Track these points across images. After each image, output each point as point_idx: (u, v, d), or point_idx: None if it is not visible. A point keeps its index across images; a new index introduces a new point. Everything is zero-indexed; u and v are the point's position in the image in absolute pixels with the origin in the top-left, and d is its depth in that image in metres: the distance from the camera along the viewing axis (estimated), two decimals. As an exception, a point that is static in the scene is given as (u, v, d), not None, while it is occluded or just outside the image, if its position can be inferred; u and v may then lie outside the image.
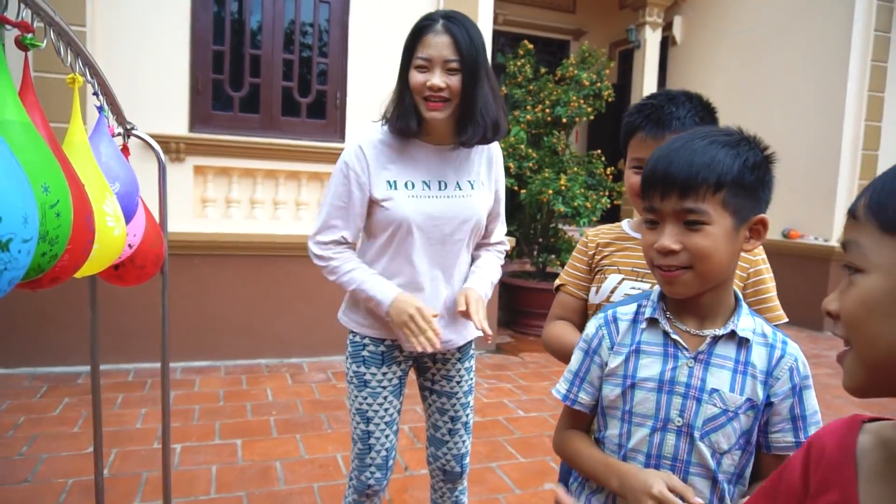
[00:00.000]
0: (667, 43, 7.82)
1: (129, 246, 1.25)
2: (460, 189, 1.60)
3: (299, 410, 3.49)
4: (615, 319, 1.03)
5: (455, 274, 1.64)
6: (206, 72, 4.23)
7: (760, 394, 0.93)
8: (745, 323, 0.95)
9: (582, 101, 5.65)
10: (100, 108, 1.21)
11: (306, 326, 4.44)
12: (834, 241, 6.01)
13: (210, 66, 4.24)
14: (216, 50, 4.26)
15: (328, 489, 2.61)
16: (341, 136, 4.52)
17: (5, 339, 3.88)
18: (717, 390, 0.93)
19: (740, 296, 0.98)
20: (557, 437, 1.11)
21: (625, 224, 1.40)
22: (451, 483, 1.81)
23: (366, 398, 1.64)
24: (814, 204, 6.21)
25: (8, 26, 0.77)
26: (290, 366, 4.32)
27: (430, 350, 1.47)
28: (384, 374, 1.65)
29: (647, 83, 7.16)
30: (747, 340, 0.94)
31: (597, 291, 1.33)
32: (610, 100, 5.88)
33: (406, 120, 1.52)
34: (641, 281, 1.27)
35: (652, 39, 7.10)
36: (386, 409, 1.66)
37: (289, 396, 3.71)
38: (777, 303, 1.27)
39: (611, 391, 1.00)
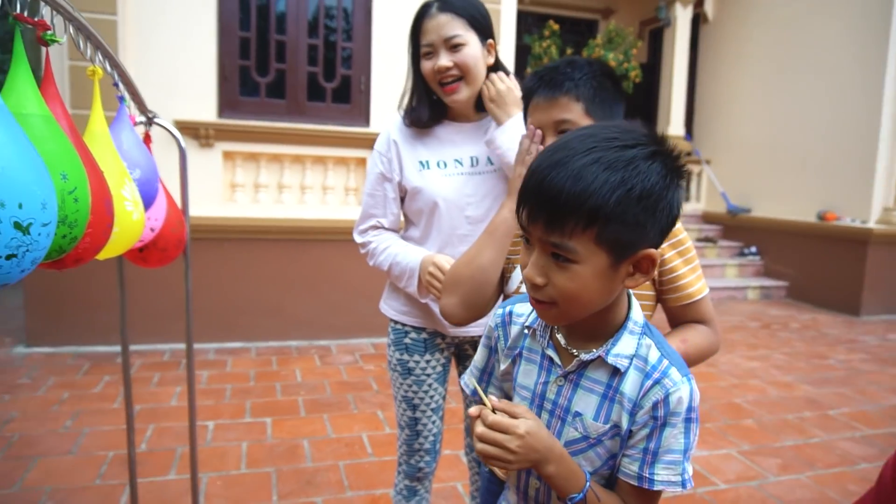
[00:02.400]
0: (698, 20, 7.63)
1: (152, 230, 1.31)
2: (492, 164, 1.56)
3: (327, 391, 3.58)
4: (511, 322, 0.98)
5: None
6: (234, 58, 4.31)
7: (625, 424, 0.84)
8: (623, 347, 0.85)
9: (609, 82, 5.59)
10: (120, 98, 1.27)
11: (334, 309, 4.53)
12: (872, 223, 5.84)
13: (237, 53, 4.32)
14: (243, 36, 4.33)
15: (353, 467, 2.68)
16: (366, 120, 4.56)
17: (52, 319, 4.07)
18: (580, 414, 0.86)
19: (632, 315, 0.88)
20: None
21: None
22: None
23: (410, 386, 1.64)
24: (851, 184, 6.03)
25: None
26: (318, 347, 4.43)
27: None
28: (427, 361, 1.64)
29: (677, 62, 7.01)
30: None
31: (506, 282, 1.29)
32: (637, 80, 5.79)
33: (417, 114, 1.54)
34: None
35: (682, 17, 6.94)
36: (431, 397, 1.65)
37: (317, 377, 3.81)
38: (688, 279, 1.19)
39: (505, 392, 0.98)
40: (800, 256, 6.54)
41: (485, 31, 1.49)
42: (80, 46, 1.06)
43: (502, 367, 0.97)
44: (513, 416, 0.81)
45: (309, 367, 3.99)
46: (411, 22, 1.50)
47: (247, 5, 4.34)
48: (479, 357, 1.04)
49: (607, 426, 0.85)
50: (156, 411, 3.17)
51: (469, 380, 1.02)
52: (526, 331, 0.94)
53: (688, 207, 7.89)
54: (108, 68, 1.18)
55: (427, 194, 1.54)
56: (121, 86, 1.28)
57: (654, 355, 0.85)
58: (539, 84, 1.17)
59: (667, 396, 0.82)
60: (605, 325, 0.87)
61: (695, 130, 8.17)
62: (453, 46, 1.44)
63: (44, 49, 0.92)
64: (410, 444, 1.68)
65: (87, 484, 2.45)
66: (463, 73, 1.47)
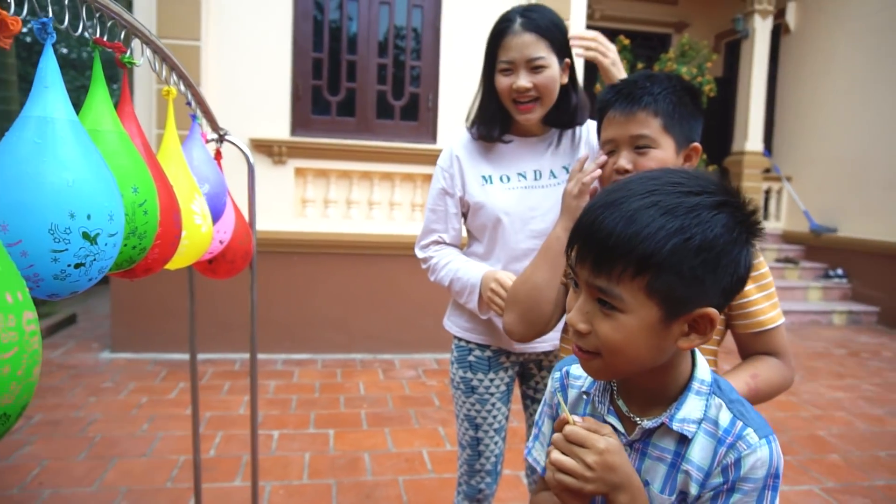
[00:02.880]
0: (778, 31, 7.32)
1: (221, 242, 1.36)
2: (555, 177, 1.54)
3: (389, 405, 3.60)
4: (569, 385, 0.92)
5: None
6: (306, 78, 4.47)
7: (693, 490, 0.77)
8: (689, 411, 0.78)
9: (682, 97, 5.44)
10: (193, 117, 1.34)
11: (398, 324, 4.58)
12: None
13: (310, 73, 4.48)
14: (315, 57, 4.49)
15: (412, 482, 2.68)
16: (433, 137, 4.61)
17: (133, 327, 4.30)
18: (649, 483, 0.80)
19: (697, 374, 0.80)
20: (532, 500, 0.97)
21: None
22: None
23: (473, 404, 1.62)
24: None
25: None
26: (382, 361, 4.47)
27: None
28: (491, 380, 1.62)
29: (755, 75, 6.73)
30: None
31: None
32: (712, 94, 5.60)
33: (488, 127, 1.53)
34: None
35: (762, 28, 6.66)
36: (494, 416, 1.63)
37: (380, 391, 3.84)
38: (761, 306, 1.13)
39: None
40: (893, 280, 6.09)
41: (564, 51, 1.47)
42: (156, 68, 1.12)
43: None
44: (595, 432, 0.77)
45: (372, 381, 4.03)
46: (490, 33, 1.47)
47: (320, 28, 4.50)
48: (545, 427, 0.97)
49: (673, 497, 0.78)
50: (224, 419, 3.28)
51: (537, 455, 0.96)
52: (584, 396, 0.89)
53: (767, 226, 7.50)
54: (183, 88, 1.24)
55: (490, 209, 1.52)
56: (193, 104, 1.34)
57: (725, 417, 0.77)
58: (616, 98, 1.14)
59: (738, 459, 0.74)
60: (665, 388, 0.80)
61: (774, 146, 7.80)
62: (535, 68, 1.42)
63: (122, 71, 0.97)
64: (471, 464, 1.65)
65: (159, 486, 2.55)
66: (541, 95, 1.45)
